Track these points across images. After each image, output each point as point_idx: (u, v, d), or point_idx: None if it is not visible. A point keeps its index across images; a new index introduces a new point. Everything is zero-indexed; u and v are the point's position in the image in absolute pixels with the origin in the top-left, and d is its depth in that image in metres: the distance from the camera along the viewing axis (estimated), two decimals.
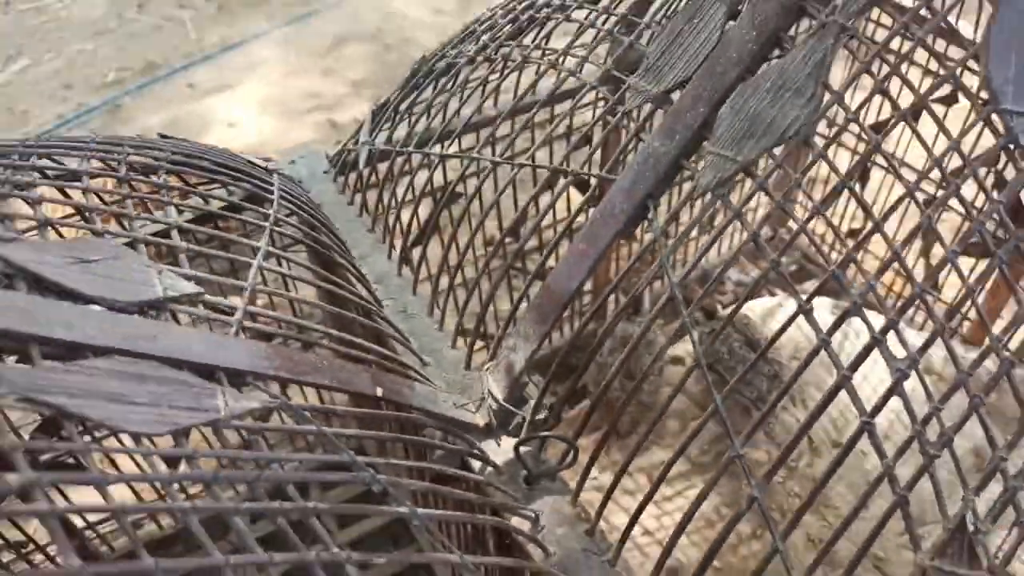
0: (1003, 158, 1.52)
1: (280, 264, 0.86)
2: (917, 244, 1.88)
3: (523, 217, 0.91)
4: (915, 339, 1.57)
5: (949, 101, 1.45)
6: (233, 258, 0.69)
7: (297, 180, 1.13)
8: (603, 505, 0.69)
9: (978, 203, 1.43)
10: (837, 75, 1.80)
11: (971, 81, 0.63)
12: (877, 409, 0.55)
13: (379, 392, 0.67)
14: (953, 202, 0.62)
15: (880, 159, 1.67)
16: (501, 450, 0.78)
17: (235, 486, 1.13)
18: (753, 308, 1.65)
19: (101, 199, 0.76)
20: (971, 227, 0.57)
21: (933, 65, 1.45)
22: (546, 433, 0.71)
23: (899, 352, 0.58)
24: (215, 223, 1.05)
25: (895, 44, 1.54)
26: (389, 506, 0.56)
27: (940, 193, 1.49)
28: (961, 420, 0.54)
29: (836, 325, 0.58)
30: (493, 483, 0.72)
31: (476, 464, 0.76)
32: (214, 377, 0.57)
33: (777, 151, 0.65)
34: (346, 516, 1.51)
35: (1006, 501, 0.52)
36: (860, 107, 0.63)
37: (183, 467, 0.49)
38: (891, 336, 0.58)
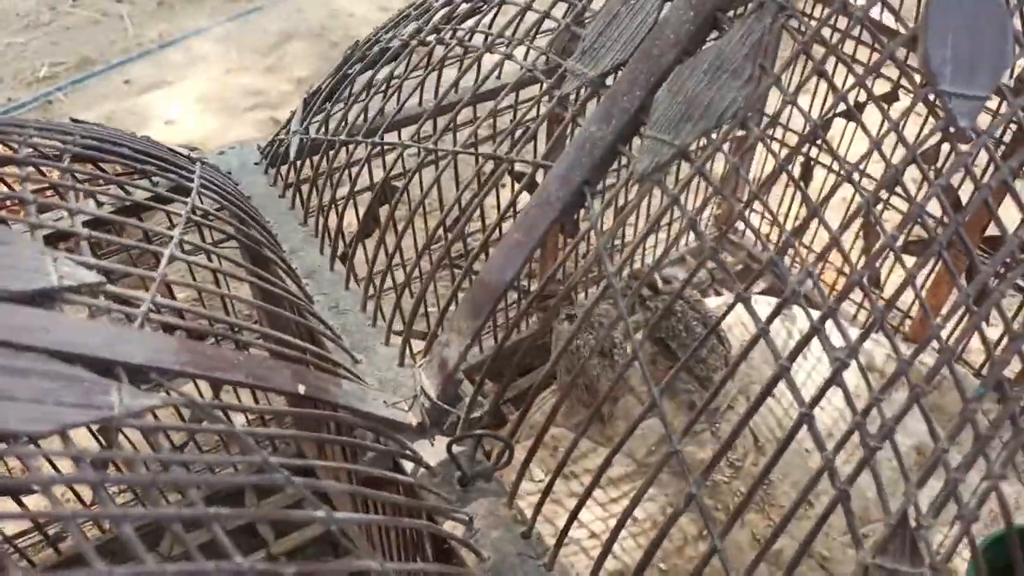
0: (943, 154, 1.54)
1: (209, 258, 0.81)
2: (859, 242, 1.89)
3: (463, 210, 0.87)
4: (856, 334, 1.58)
5: (890, 99, 1.46)
6: (139, 246, 0.64)
7: (226, 172, 1.07)
8: (539, 506, 0.66)
9: (919, 197, 1.44)
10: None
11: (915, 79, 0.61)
12: (816, 400, 0.53)
13: (301, 390, 0.63)
14: (895, 200, 0.61)
15: (823, 157, 1.68)
16: (435, 450, 0.74)
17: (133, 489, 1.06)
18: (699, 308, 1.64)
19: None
20: (911, 212, 0.56)
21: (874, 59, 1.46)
22: (479, 432, 0.68)
23: (838, 342, 0.57)
24: (137, 213, 0.99)
25: (828, 33, 1.56)
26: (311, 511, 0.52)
27: (882, 190, 1.50)
28: (902, 411, 0.52)
29: (775, 313, 0.55)
30: (425, 485, 0.68)
31: (409, 465, 0.72)
32: (112, 373, 0.52)
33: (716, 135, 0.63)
34: (287, 523, 1.45)
35: (948, 493, 0.51)
36: (799, 88, 0.62)
37: (71, 468, 0.45)
38: (833, 331, 0.56)
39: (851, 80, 0.66)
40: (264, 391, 0.63)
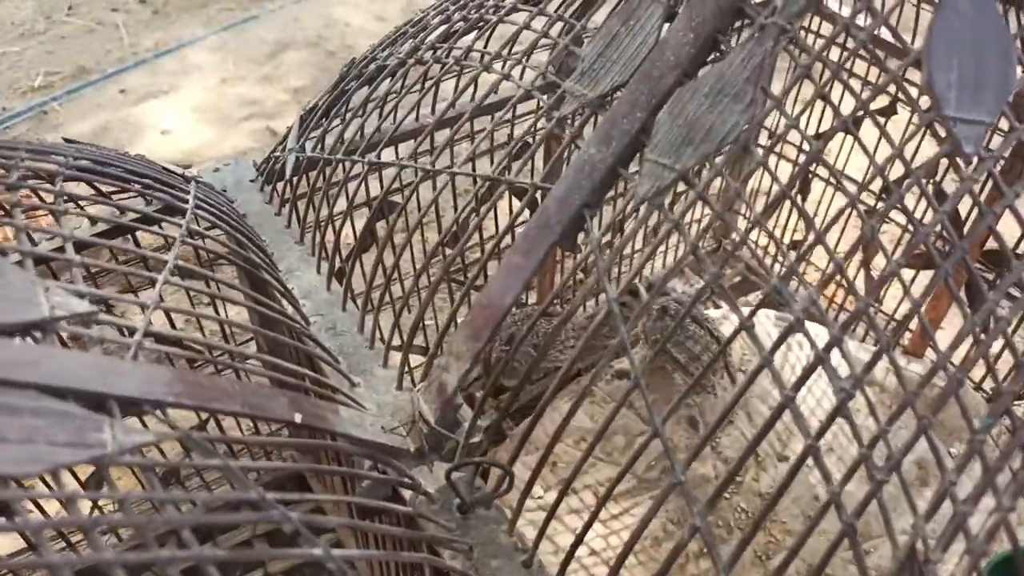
0: (942, 167, 1.53)
1: (207, 284, 0.80)
2: (858, 255, 1.89)
3: (462, 227, 0.87)
4: (856, 350, 1.57)
5: (888, 112, 1.46)
6: (133, 272, 0.63)
7: (221, 189, 1.06)
8: (539, 537, 0.65)
9: (917, 213, 1.44)
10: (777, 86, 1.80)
11: (912, 92, 0.61)
12: (822, 431, 0.53)
13: (298, 418, 0.62)
14: (894, 212, 0.60)
15: (821, 169, 1.68)
16: (434, 476, 0.73)
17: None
18: (697, 320, 1.63)
19: None
20: (915, 238, 0.55)
21: (873, 76, 1.45)
22: (479, 459, 0.67)
23: (842, 367, 0.56)
24: (130, 236, 0.98)
25: (834, 53, 1.56)
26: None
27: (880, 205, 1.50)
28: (908, 443, 0.51)
29: (778, 343, 0.55)
30: (424, 514, 0.67)
31: (409, 492, 0.71)
32: (104, 407, 0.51)
33: (718, 159, 0.62)
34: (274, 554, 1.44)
35: (956, 527, 0.50)
36: (801, 113, 0.61)
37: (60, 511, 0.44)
38: (835, 351, 0.56)
39: (850, 94, 0.65)
40: (260, 420, 0.62)
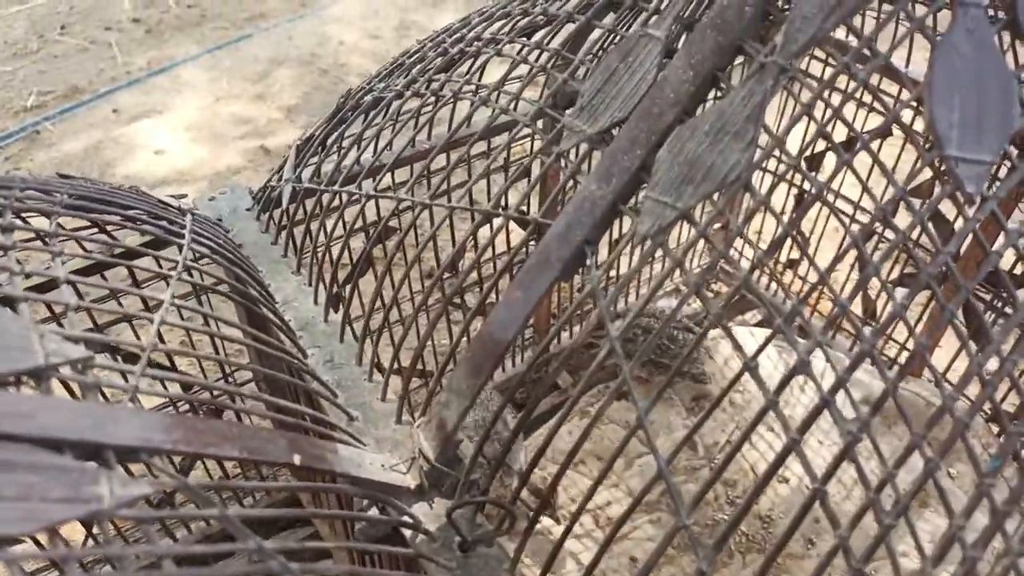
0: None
1: (206, 321, 0.79)
2: (853, 273, 1.89)
3: (459, 256, 0.86)
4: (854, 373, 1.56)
5: (883, 134, 1.46)
6: (125, 314, 0.62)
7: (216, 218, 1.06)
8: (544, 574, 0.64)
9: (913, 231, 1.44)
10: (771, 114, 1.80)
11: (909, 117, 0.61)
12: (828, 476, 0.52)
13: (297, 460, 0.61)
14: (891, 234, 0.60)
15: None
16: (434, 513, 0.72)
17: None
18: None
19: None
20: (919, 277, 0.55)
21: (868, 97, 1.46)
22: (481, 499, 0.66)
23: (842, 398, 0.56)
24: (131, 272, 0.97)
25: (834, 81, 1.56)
26: None
27: (877, 224, 1.50)
28: (915, 488, 0.51)
29: (782, 385, 0.54)
30: (425, 554, 0.66)
31: (409, 531, 0.70)
32: (101, 456, 0.50)
33: (718, 198, 0.62)
34: None
35: (965, 573, 0.49)
36: (801, 153, 0.61)
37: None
38: (819, 361, 0.55)
39: (847, 109, 0.65)
40: (259, 464, 0.62)
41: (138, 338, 1.07)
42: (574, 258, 0.68)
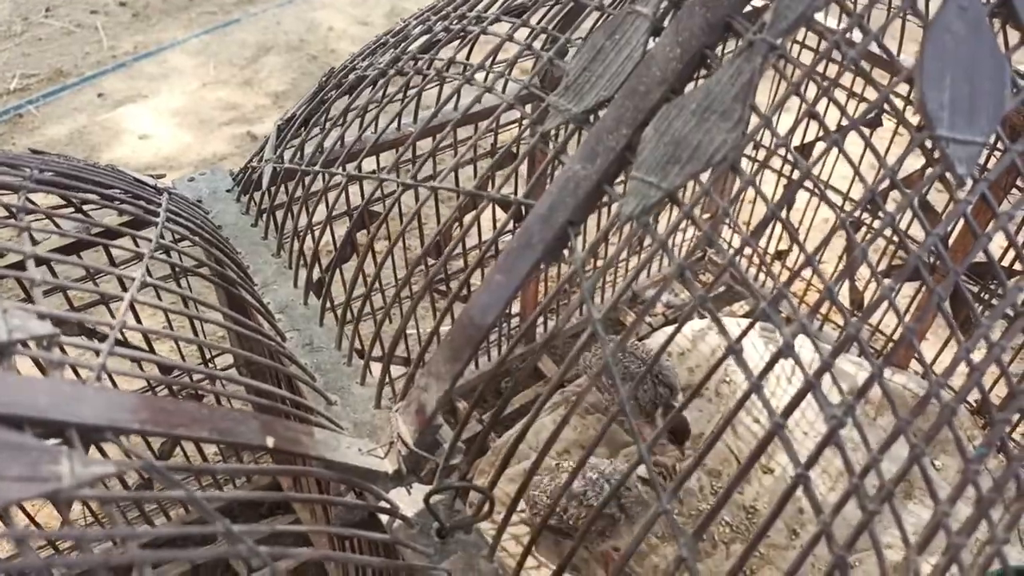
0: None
1: (186, 304, 0.77)
2: (841, 265, 1.88)
3: (446, 240, 0.85)
4: (840, 361, 1.56)
5: (873, 124, 1.45)
6: (99, 293, 0.61)
7: (196, 200, 1.04)
8: (520, 565, 0.63)
9: (902, 224, 1.43)
10: (762, 96, 1.79)
11: (897, 103, 0.59)
12: (812, 460, 0.51)
13: (270, 442, 0.60)
14: (878, 224, 0.59)
15: (807, 182, 1.67)
16: (412, 498, 0.71)
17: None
18: (683, 331, 1.62)
19: None
20: (909, 263, 0.53)
21: (858, 87, 1.45)
22: (459, 484, 0.65)
23: (827, 380, 0.55)
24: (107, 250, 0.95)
25: (821, 67, 1.55)
26: None
27: (866, 216, 1.49)
28: (900, 473, 0.50)
29: (767, 369, 0.53)
30: (401, 540, 0.65)
31: (387, 516, 0.69)
32: (63, 435, 0.49)
33: (704, 177, 0.61)
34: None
35: (949, 560, 0.48)
36: (790, 132, 0.59)
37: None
38: (807, 352, 0.54)
39: (838, 110, 0.64)
40: (231, 446, 0.60)
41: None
42: (557, 240, 0.67)
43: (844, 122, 0.61)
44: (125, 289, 0.67)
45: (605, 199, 1.21)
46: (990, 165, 1.30)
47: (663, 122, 0.63)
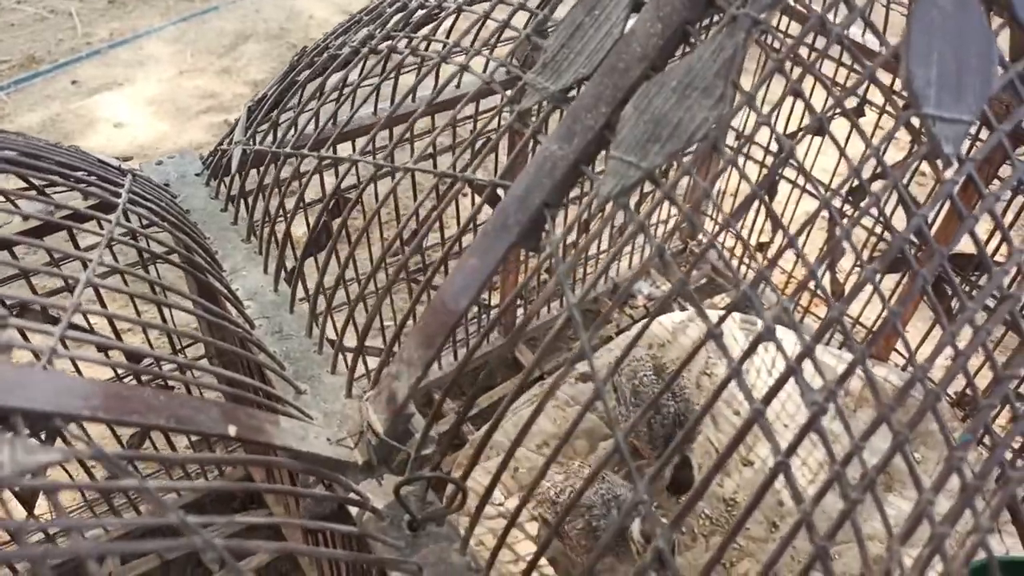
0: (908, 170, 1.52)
1: (154, 291, 0.74)
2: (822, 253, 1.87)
3: (422, 224, 0.82)
4: (821, 354, 1.55)
5: (857, 113, 1.44)
6: (63, 276, 0.58)
7: (164, 184, 1.01)
8: (493, 556, 0.61)
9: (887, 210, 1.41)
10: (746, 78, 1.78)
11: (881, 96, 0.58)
12: (792, 448, 0.49)
13: (231, 431, 0.57)
14: (864, 217, 0.57)
15: (788, 171, 1.66)
16: (383, 490, 0.69)
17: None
18: (663, 323, 1.61)
19: None
20: (893, 244, 0.52)
21: (840, 78, 1.44)
22: (429, 474, 0.63)
23: (809, 371, 0.53)
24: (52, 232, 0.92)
25: (802, 53, 1.54)
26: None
27: (848, 207, 1.48)
28: (883, 461, 0.48)
29: (748, 352, 0.51)
30: (371, 533, 0.63)
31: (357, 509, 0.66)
32: (8, 422, 0.46)
33: (686, 157, 0.59)
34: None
35: (933, 550, 0.47)
36: (772, 110, 0.58)
37: None
38: (788, 345, 0.53)
39: (818, 91, 0.62)
40: (193, 435, 0.57)
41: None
42: (533, 222, 0.65)
43: (830, 106, 0.60)
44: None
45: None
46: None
47: (643, 100, 0.61)
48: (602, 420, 1.48)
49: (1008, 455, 1.37)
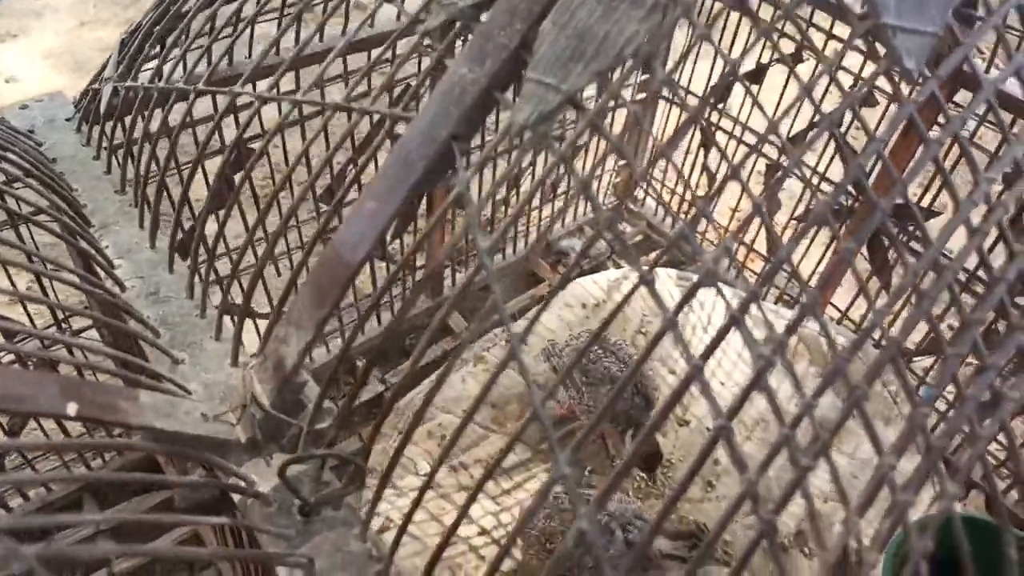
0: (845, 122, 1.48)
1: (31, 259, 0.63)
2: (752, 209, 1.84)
3: (338, 179, 0.72)
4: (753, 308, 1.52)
5: (795, 59, 1.38)
6: None
7: (28, 129, 0.88)
8: (396, 542, 0.53)
9: (823, 164, 1.36)
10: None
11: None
12: (735, 410, 0.42)
13: (71, 410, 0.47)
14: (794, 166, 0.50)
15: (725, 122, 1.60)
16: (272, 471, 0.60)
17: None
18: (597, 281, 1.54)
19: None
20: (849, 172, 0.45)
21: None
22: (320, 452, 0.54)
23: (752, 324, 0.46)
24: None
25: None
26: None
27: (784, 159, 1.43)
28: (840, 421, 0.42)
29: (686, 299, 0.44)
30: (253, 525, 0.54)
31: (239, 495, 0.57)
32: None
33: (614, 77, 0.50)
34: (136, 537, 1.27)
35: (895, 521, 0.41)
36: (714, 20, 0.50)
37: None
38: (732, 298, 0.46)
39: (753, 37, 0.54)
40: (24, 415, 0.48)
41: None
42: (440, 157, 0.56)
43: (764, 58, 0.52)
44: None
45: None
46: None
47: (563, 13, 0.52)
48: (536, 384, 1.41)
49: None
